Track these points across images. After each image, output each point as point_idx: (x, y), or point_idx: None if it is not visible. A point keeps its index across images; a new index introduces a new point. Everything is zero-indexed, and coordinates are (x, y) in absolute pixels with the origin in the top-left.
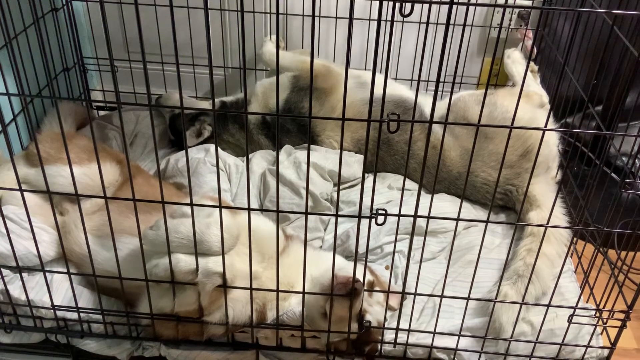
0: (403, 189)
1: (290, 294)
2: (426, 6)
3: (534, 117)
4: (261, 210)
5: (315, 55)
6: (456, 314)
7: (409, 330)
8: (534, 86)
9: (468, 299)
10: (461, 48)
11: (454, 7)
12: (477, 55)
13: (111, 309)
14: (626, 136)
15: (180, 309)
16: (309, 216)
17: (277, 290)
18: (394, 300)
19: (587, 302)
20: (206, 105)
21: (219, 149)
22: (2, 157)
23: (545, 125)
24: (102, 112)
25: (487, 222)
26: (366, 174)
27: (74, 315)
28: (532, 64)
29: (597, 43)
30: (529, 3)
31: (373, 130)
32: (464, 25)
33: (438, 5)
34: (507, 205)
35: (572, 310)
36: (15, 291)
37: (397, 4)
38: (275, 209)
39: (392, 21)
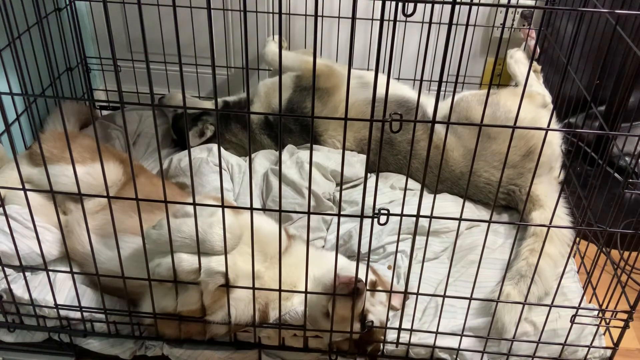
0: (405, 189)
1: (293, 294)
2: (429, 6)
3: (537, 117)
4: (264, 210)
5: (318, 55)
6: (458, 314)
7: (411, 330)
8: (537, 86)
9: (470, 299)
10: (464, 48)
11: (457, 7)
12: (479, 55)
13: (114, 308)
14: (629, 136)
15: (182, 309)
16: (312, 216)
17: (280, 290)
18: (396, 300)
19: (589, 302)
20: (209, 105)
21: (222, 148)
22: (5, 156)
23: (548, 125)
24: (105, 112)
25: (489, 222)
26: (369, 174)
27: (77, 315)
28: (535, 63)
29: (600, 43)
30: (532, 3)
31: (375, 130)
32: (467, 25)
33: (441, 5)
34: (510, 205)
35: (575, 310)
36: (19, 290)
37: (400, 4)
38: (277, 208)
39: (395, 21)
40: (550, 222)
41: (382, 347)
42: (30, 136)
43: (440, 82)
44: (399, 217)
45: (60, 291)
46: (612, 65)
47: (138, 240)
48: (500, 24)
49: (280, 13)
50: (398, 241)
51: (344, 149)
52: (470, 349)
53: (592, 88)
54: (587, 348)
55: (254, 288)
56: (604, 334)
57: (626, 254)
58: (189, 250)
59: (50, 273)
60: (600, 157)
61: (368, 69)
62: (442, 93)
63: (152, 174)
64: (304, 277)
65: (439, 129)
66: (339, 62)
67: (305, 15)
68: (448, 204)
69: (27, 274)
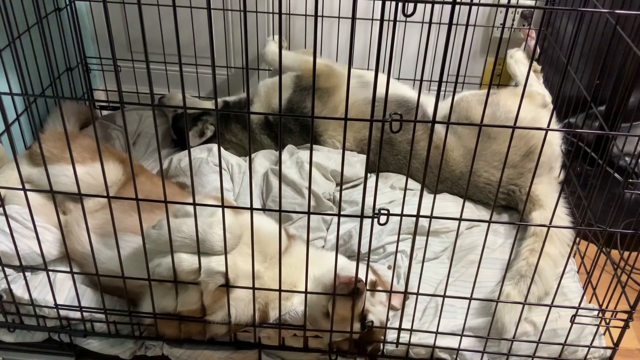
0: (405, 189)
1: (293, 294)
2: (429, 6)
3: (537, 117)
4: (264, 210)
5: (318, 55)
6: (458, 314)
7: (411, 330)
8: (537, 86)
9: (470, 299)
10: (464, 48)
11: (457, 7)
12: (479, 55)
13: (114, 308)
14: (629, 136)
15: (182, 309)
16: (312, 216)
17: (280, 290)
18: (396, 300)
19: (589, 302)
20: (209, 105)
21: (222, 148)
22: (5, 156)
23: (548, 125)
24: (105, 112)
25: (489, 222)
26: (369, 174)
27: (77, 315)
28: (535, 63)
29: (600, 43)
30: (532, 3)
31: (375, 130)
32: (467, 25)
33: (441, 5)
34: (510, 205)
35: (575, 310)
36: (19, 290)
37: (400, 4)
38: (277, 208)
39: (395, 21)
40: (550, 222)
41: (382, 347)
42: (30, 136)
43: (440, 82)
44: (399, 217)
45: (60, 291)
46: (612, 65)
47: (138, 239)
48: (500, 24)
49: (280, 13)
50: (398, 241)
51: (344, 149)
52: (470, 349)
53: (592, 88)
54: (587, 348)
55: (254, 288)
56: (604, 334)
57: (626, 254)
58: (189, 250)
59: (50, 273)
60: (600, 157)
61: (368, 69)
62: (442, 93)
63: (152, 174)
64: (304, 277)
65: (439, 129)
66: (339, 62)
67: (305, 15)
68: (448, 204)
69: (27, 274)
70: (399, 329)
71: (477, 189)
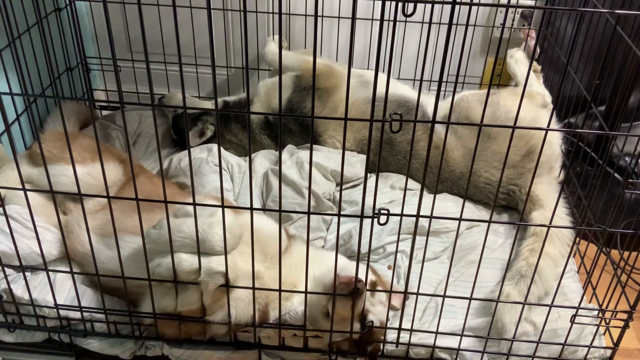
0: (405, 189)
1: (293, 294)
2: (429, 6)
3: (537, 117)
4: (264, 210)
5: (318, 55)
6: (458, 313)
7: (411, 330)
8: (537, 86)
9: (470, 299)
10: (464, 48)
11: (457, 7)
12: (479, 55)
13: (114, 308)
14: (629, 136)
15: (182, 309)
16: (312, 216)
17: (280, 290)
18: (396, 300)
19: (589, 302)
20: (209, 105)
21: (222, 148)
22: (5, 156)
23: (548, 125)
24: (105, 112)
25: (489, 222)
26: (369, 174)
27: (77, 315)
28: (535, 63)
29: (600, 43)
30: (532, 3)
31: (375, 130)
32: (467, 25)
33: (441, 5)
34: (510, 205)
35: (575, 310)
36: (19, 290)
37: (400, 4)
38: (277, 208)
39: (395, 21)
40: (550, 222)
41: (382, 347)
42: (30, 136)
43: (440, 82)
44: (399, 217)
45: (60, 291)
46: (612, 65)
47: (138, 240)
48: (500, 24)
49: (280, 13)
50: (398, 241)
51: (344, 149)
52: (470, 349)
53: (592, 88)
54: (587, 348)
55: (254, 288)
56: (604, 334)
57: (626, 254)
58: (189, 250)
59: (50, 273)
60: (600, 157)
61: (368, 69)
62: (442, 93)
63: (152, 174)
64: (304, 277)
65: (439, 128)
66: (339, 62)
67: (305, 15)
68: (448, 204)
69: (27, 274)
70: (399, 329)
71: (477, 189)
